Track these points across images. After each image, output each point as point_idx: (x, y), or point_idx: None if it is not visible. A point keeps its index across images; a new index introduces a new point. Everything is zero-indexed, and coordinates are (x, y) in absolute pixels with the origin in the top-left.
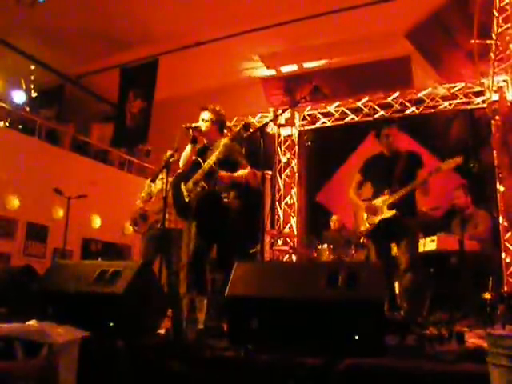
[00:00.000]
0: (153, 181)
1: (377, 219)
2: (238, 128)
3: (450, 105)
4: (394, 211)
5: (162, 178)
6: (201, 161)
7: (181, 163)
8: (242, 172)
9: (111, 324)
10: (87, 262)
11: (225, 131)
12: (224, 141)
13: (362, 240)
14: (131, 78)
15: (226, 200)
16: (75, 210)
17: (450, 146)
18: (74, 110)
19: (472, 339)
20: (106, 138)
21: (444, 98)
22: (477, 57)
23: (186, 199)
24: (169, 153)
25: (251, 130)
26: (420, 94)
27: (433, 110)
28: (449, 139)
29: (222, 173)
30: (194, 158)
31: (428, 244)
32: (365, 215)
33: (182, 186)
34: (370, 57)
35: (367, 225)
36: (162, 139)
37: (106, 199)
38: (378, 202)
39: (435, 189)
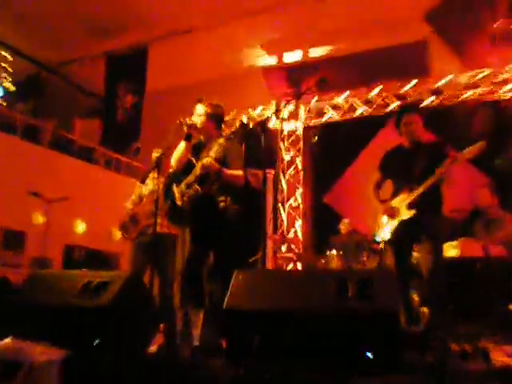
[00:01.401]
0: (142, 182)
1: (396, 222)
2: (236, 127)
3: (473, 95)
4: (413, 211)
5: (154, 178)
6: (194, 161)
7: (173, 162)
8: (234, 172)
9: (96, 341)
10: (70, 271)
11: (223, 126)
12: (220, 140)
13: (381, 246)
14: (119, 68)
15: (222, 204)
16: (56, 214)
17: (472, 140)
18: (55, 104)
19: (499, 357)
20: (90, 135)
21: (466, 87)
22: (503, 40)
23: (179, 203)
24: (156, 152)
25: (251, 126)
26: (439, 83)
27: (453, 101)
28: (471, 133)
29: (212, 162)
30: (188, 157)
31: (449, 250)
32: (384, 219)
33: (174, 188)
34: (383, 42)
35: (387, 229)
36: (153, 135)
37: (91, 202)
38: (397, 202)
39: (455, 189)
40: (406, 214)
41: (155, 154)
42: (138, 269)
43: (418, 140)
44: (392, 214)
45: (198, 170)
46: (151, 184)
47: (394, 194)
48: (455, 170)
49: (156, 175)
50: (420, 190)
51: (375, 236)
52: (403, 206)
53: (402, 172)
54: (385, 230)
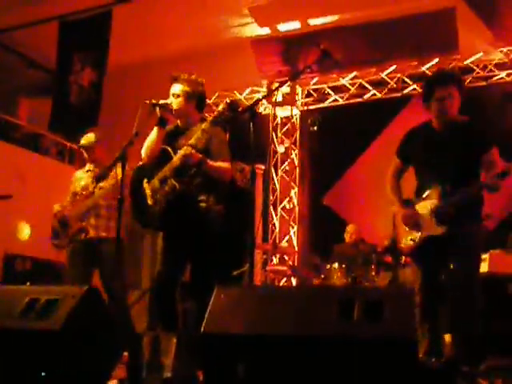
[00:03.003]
0: (102, 178)
1: (422, 235)
2: (221, 107)
3: (508, 75)
4: (444, 228)
5: (88, 171)
6: (170, 150)
7: (143, 153)
8: (221, 164)
9: (43, 374)
10: (11, 287)
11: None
12: (203, 125)
13: (403, 259)
14: (75, 37)
15: (203, 205)
16: None
17: (505, 130)
18: None
19: None
20: (39, 118)
21: (500, 67)
22: None
23: (150, 202)
24: (83, 139)
25: (239, 110)
26: (467, 61)
27: (484, 83)
28: (504, 122)
29: (192, 151)
30: (161, 146)
31: None
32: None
33: (145, 185)
34: (399, 10)
35: (409, 241)
36: (115, 120)
37: (39, 201)
38: (423, 208)
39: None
40: (433, 229)
41: (83, 142)
42: (78, 284)
43: (454, 119)
44: (416, 224)
45: (175, 162)
46: (85, 177)
47: (419, 191)
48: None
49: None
50: (456, 199)
51: (391, 243)
52: (431, 216)
53: (430, 160)
54: (408, 239)
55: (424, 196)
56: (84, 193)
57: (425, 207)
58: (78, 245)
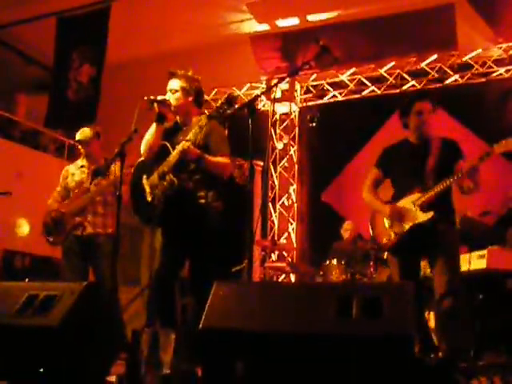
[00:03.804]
0: (99, 174)
1: (407, 226)
2: (220, 102)
3: (507, 72)
4: (431, 213)
5: (82, 166)
6: (169, 146)
7: (142, 149)
8: (220, 159)
9: (41, 370)
10: (10, 283)
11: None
12: (201, 120)
13: (385, 255)
14: (73, 33)
15: (202, 201)
16: None
17: (504, 128)
18: None
19: None
20: (38, 114)
21: (499, 63)
22: None
23: (149, 198)
24: (78, 134)
25: (237, 106)
26: (466, 58)
27: (484, 79)
28: (503, 119)
29: (190, 146)
30: (160, 142)
31: (475, 261)
32: (387, 222)
33: (144, 180)
34: (398, 6)
35: (392, 235)
36: (114, 116)
37: (38, 197)
38: (406, 203)
39: (484, 187)
40: (421, 217)
41: (78, 136)
42: (74, 280)
43: (428, 135)
44: (400, 216)
45: (173, 158)
46: (79, 172)
47: (397, 196)
48: (485, 167)
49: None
50: (437, 189)
51: (372, 242)
52: (415, 207)
53: (407, 170)
54: (391, 234)
55: (404, 197)
56: (79, 189)
57: (407, 202)
58: (74, 240)
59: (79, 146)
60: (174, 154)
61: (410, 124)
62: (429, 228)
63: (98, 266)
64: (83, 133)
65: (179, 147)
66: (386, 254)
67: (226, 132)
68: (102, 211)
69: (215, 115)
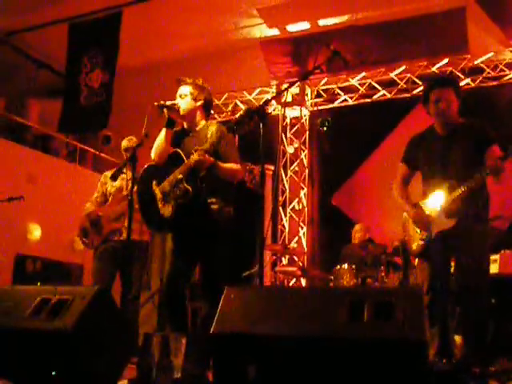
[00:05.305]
0: (113, 178)
1: (433, 233)
2: (240, 115)
3: None
4: (453, 220)
5: (123, 173)
6: (181, 153)
7: (153, 154)
8: (232, 166)
9: (54, 373)
10: (22, 287)
11: (211, 112)
12: (215, 127)
13: (416, 261)
14: (85, 38)
15: (214, 206)
16: (6, 216)
17: None
18: (4, 81)
19: None
20: (49, 119)
21: (511, 66)
22: None
23: (161, 204)
24: (127, 141)
25: (248, 110)
26: (477, 61)
27: (495, 83)
28: None
29: (206, 155)
30: (171, 148)
31: None
32: (416, 228)
33: (155, 187)
34: (409, 10)
35: (420, 242)
36: (125, 121)
37: (50, 202)
38: (432, 207)
39: (497, 192)
40: (444, 224)
41: (125, 144)
42: (104, 283)
43: (454, 121)
44: (425, 224)
45: (188, 166)
46: (119, 180)
47: (426, 193)
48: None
49: (129, 170)
50: (461, 190)
51: (401, 245)
52: (440, 212)
53: (435, 164)
54: (419, 240)
55: (431, 197)
56: (118, 195)
57: (433, 206)
58: (110, 245)
59: (124, 154)
60: (189, 163)
61: (431, 112)
62: (456, 233)
63: (127, 272)
64: (129, 140)
65: (195, 156)
66: (416, 259)
67: (236, 138)
68: (140, 217)
69: (233, 128)
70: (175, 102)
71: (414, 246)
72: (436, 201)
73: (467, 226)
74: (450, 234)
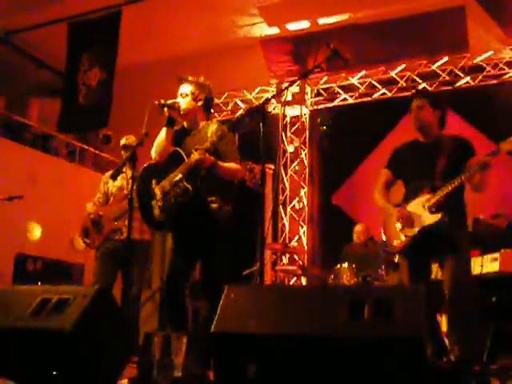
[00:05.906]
0: (113, 177)
1: (416, 229)
2: (241, 114)
3: None
4: (439, 215)
5: (124, 173)
6: (182, 152)
7: (153, 153)
8: (232, 165)
9: (54, 373)
10: (22, 287)
11: (212, 111)
12: (215, 126)
13: (397, 258)
14: (84, 37)
15: (214, 205)
16: (6, 216)
17: None
18: (3, 80)
19: None
20: (49, 119)
21: (510, 65)
22: None
23: (160, 203)
24: (126, 139)
25: (248, 109)
26: (477, 59)
27: (495, 81)
28: None
29: (206, 155)
30: (170, 146)
31: (488, 264)
32: (398, 225)
33: (154, 186)
34: (409, 8)
35: (403, 238)
36: (125, 120)
37: (50, 201)
38: (416, 205)
39: (496, 189)
40: (429, 219)
41: (124, 142)
42: (105, 283)
43: (435, 134)
44: (409, 220)
45: (188, 165)
46: (120, 179)
47: (408, 198)
48: (497, 170)
49: (129, 169)
50: (448, 188)
51: (385, 246)
52: (424, 209)
53: (418, 171)
54: (401, 237)
55: (415, 199)
56: (118, 194)
57: (416, 204)
58: (111, 245)
59: (122, 152)
60: (189, 162)
61: (415, 122)
62: (438, 231)
63: (129, 271)
64: (128, 138)
65: (195, 155)
66: (397, 257)
67: (236, 137)
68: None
69: (233, 127)
70: (176, 100)
71: (395, 243)
72: (420, 202)
73: (451, 226)
74: (434, 232)
